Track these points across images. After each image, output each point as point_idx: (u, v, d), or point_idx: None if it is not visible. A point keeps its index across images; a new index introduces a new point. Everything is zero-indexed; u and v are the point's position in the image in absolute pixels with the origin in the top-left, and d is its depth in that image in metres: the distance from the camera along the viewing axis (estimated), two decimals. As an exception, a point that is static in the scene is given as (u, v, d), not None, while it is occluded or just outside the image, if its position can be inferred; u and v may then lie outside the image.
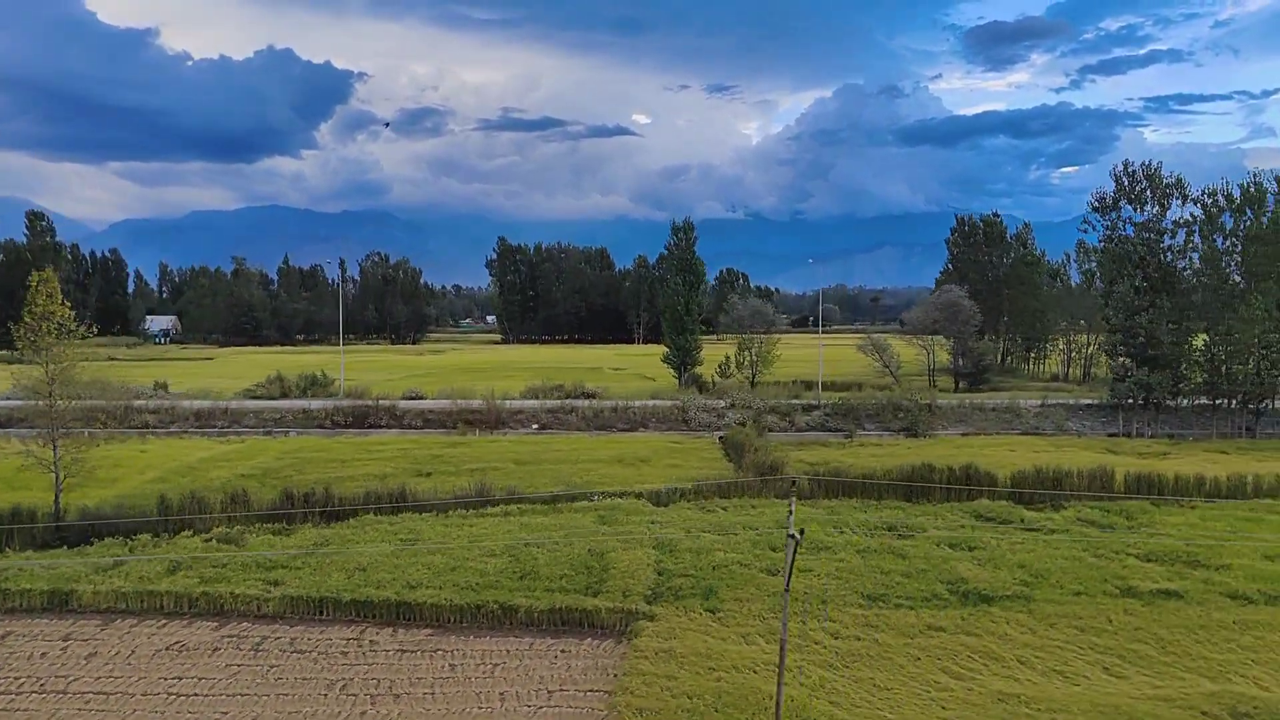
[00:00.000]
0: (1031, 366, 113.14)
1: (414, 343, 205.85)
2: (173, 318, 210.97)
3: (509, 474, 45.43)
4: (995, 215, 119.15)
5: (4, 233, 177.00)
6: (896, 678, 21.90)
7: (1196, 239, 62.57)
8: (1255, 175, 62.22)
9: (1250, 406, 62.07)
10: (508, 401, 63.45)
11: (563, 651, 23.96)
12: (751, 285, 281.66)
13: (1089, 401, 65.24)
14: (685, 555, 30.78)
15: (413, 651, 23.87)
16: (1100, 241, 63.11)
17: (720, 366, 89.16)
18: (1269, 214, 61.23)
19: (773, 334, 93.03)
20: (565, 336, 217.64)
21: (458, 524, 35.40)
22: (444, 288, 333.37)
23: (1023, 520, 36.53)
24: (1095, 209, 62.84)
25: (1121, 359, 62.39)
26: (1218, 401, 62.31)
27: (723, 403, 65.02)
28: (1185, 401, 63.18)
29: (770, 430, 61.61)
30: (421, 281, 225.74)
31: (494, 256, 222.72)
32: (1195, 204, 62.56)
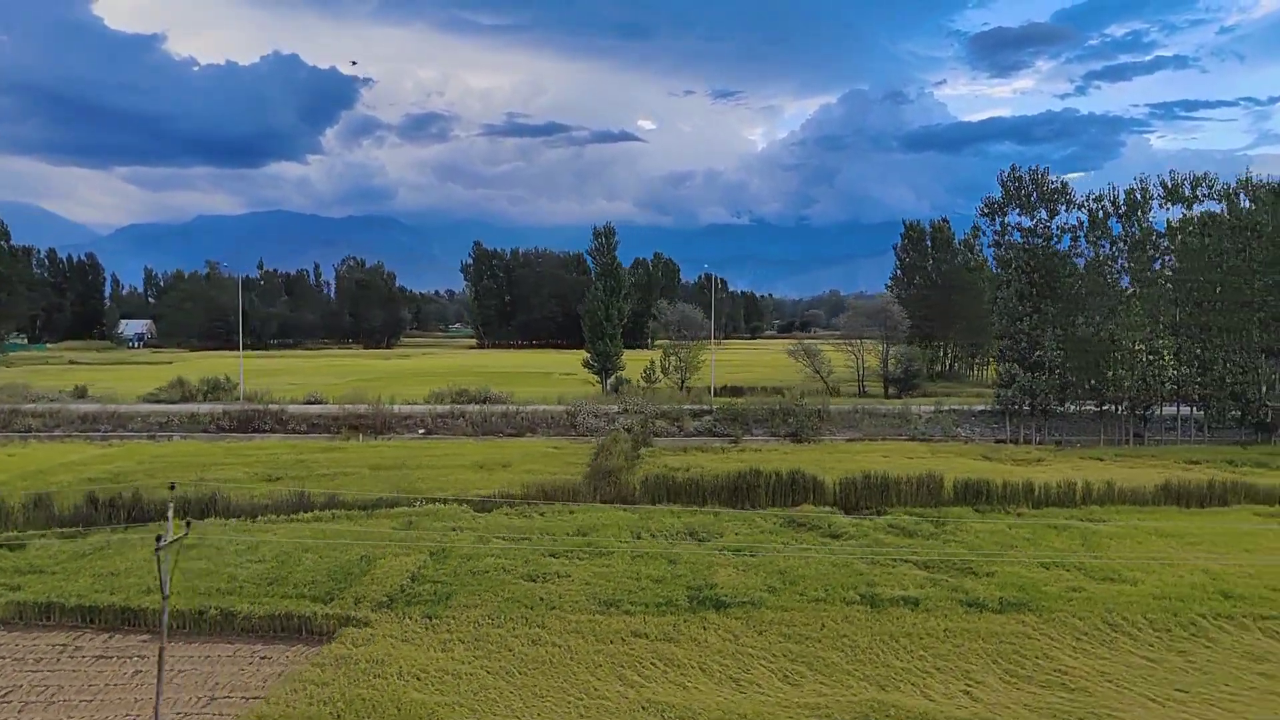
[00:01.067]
0: (976, 372, 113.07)
1: (389, 347, 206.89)
2: (148, 322, 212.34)
3: (361, 479, 45.69)
4: (944, 220, 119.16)
5: (13, 235, 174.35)
6: (562, 685, 21.95)
7: (1083, 244, 62.48)
8: (1140, 180, 62.11)
9: (1137, 413, 61.89)
10: (396, 406, 63.66)
11: (262, 658, 24.06)
12: (732, 290, 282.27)
13: (982, 407, 65.14)
14: (453, 561, 30.91)
15: (110, 658, 24.02)
16: (990, 247, 63.02)
17: (645, 371, 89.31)
18: (1150, 220, 61.19)
19: (700, 339, 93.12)
20: (541, 341, 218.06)
21: (261, 530, 35.54)
22: (436, 292, 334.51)
23: (830, 526, 36.52)
24: (983, 214, 62.76)
25: (1008, 364, 62.28)
26: (1104, 408, 62.11)
27: (615, 408, 65.11)
28: (1072, 407, 63.01)
29: (659, 435, 61.81)
30: (397, 285, 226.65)
31: (469, 261, 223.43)
32: (1081, 209, 62.45)
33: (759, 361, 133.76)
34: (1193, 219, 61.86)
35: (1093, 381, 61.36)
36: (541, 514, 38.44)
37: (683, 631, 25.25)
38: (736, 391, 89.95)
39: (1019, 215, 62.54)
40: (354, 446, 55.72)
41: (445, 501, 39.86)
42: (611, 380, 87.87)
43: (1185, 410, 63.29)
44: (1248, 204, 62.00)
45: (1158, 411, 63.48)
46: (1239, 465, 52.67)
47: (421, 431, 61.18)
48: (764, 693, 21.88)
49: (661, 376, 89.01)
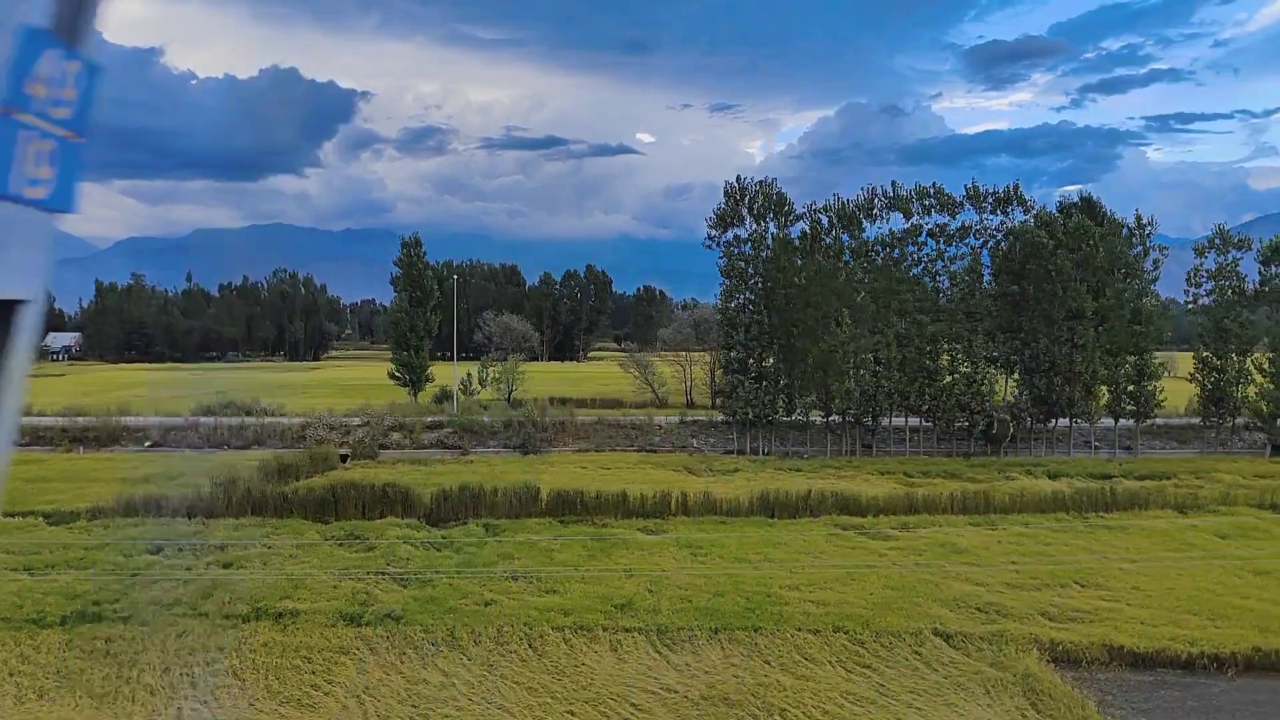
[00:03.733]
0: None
1: (316, 359, 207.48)
2: (77, 335, 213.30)
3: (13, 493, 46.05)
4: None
5: None
6: None
7: (807, 256, 62.78)
8: (866, 190, 62.53)
9: (864, 424, 62.12)
10: (125, 419, 64.05)
11: None
12: (676, 300, 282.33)
13: (722, 418, 65.33)
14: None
15: None
16: (720, 259, 63.31)
17: (461, 383, 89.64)
18: (865, 232, 61.55)
19: (520, 352, 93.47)
20: (466, 355, 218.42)
21: None
22: (380, 304, 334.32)
23: (379, 537, 36.79)
24: (713, 225, 63.09)
25: (732, 375, 62.55)
26: (831, 419, 62.34)
27: (356, 420, 65.46)
28: (800, 418, 63.23)
29: (393, 447, 62.20)
30: (329, 297, 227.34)
31: (398, 273, 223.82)
32: (804, 220, 62.83)
33: (606, 374, 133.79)
34: (919, 229, 62.20)
35: (813, 394, 61.53)
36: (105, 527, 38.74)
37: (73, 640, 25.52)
38: (563, 402, 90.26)
39: (754, 224, 62.84)
40: (53, 459, 56.14)
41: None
42: (436, 392, 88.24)
43: (915, 421, 63.44)
44: (973, 214, 62.36)
45: (887, 422, 63.65)
46: (930, 476, 52.91)
47: (148, 444, 61.56)
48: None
49: (479, 388, 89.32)
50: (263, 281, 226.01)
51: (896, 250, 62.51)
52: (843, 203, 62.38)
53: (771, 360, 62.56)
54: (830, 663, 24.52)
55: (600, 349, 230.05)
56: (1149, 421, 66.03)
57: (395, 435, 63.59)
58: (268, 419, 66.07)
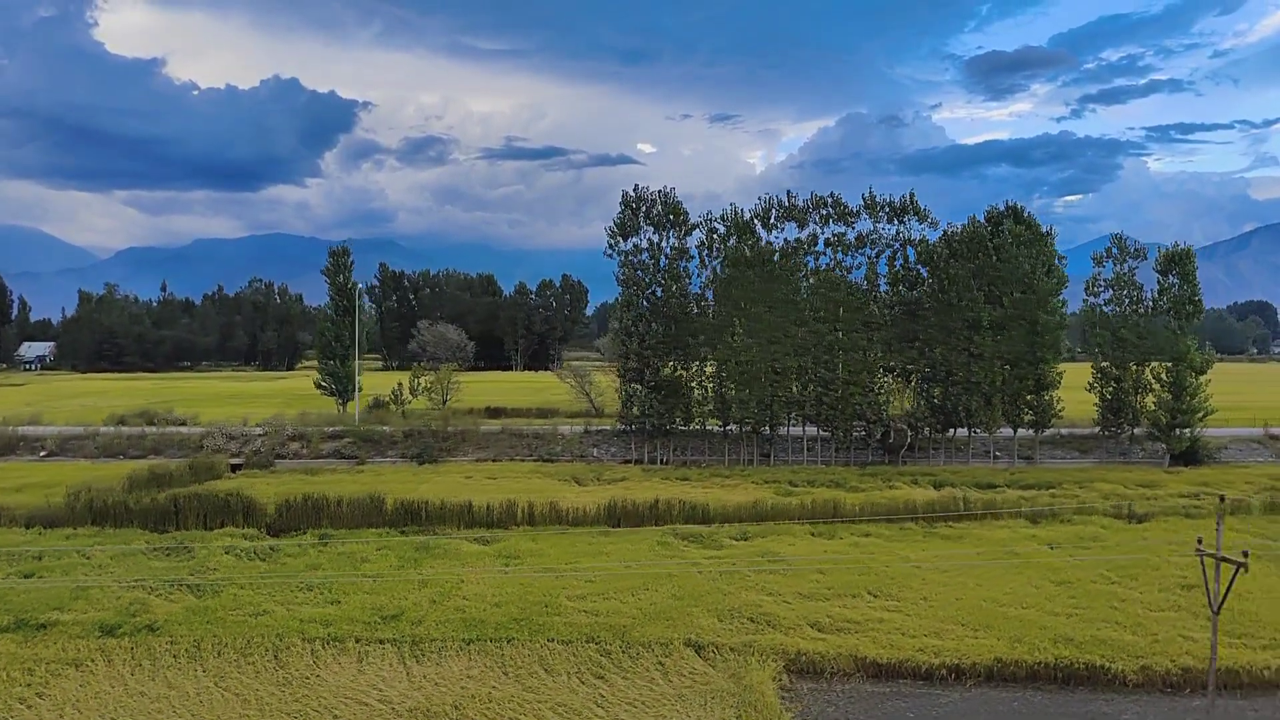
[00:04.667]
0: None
1: (290, 368, 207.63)
2: (51, 345, 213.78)
3: None
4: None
5: (13, 258, 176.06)
6: None
7: (702, 266, 62.85)
8: (763, 199, 62.51)
9: (760, 432, 62.01)
10: (20, 429, 64.17)
11: None
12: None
13: (624, 427, 65.20)
14: None
15: None
16: (619, 269, 63.28)
17: (393, 393, 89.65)
18: (750, 243, 61.54)
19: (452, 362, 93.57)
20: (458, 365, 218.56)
21: None
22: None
23: (204, 547, 36.80)
24: (613, 235, 63.06)
25: (630, 384, 62.51)
26: (729, 428, 62.27)
27: (258, 430, 65.49)
28: (697, 426, 63.19)
29: (290, 457, 62.26)
30: (303, 307, 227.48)
31: (375, 282, 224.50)
32: (699, 230, 62.85)
33: (549, 384, 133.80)
34: (815, 239, 62.21)
35: (710, 403, 61.50)
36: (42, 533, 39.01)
37: None
38: (497, 412, 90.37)
39: (653, 234, 62.90)
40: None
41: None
42: (370, 401, 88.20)
43: (814, 430, 63.35)
44: (869, 223, 62.34)
45: (785, 432, 63.55)
46: (815, 485, 52.81)
47: (43, 453, 61.67)
48: None
49: (410, 398, 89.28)
50: (238, 291, 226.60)
51: (797, 259, 62.35)
52: (738, 212, 62.40)
53: (669, 369, 62.43)
54: (567, 673, 24.45)
55: (579, 359, 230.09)
56: (1053, 431, 65.89)
57: (294, 445, 63.62)
58: (169, 429, 66.16)
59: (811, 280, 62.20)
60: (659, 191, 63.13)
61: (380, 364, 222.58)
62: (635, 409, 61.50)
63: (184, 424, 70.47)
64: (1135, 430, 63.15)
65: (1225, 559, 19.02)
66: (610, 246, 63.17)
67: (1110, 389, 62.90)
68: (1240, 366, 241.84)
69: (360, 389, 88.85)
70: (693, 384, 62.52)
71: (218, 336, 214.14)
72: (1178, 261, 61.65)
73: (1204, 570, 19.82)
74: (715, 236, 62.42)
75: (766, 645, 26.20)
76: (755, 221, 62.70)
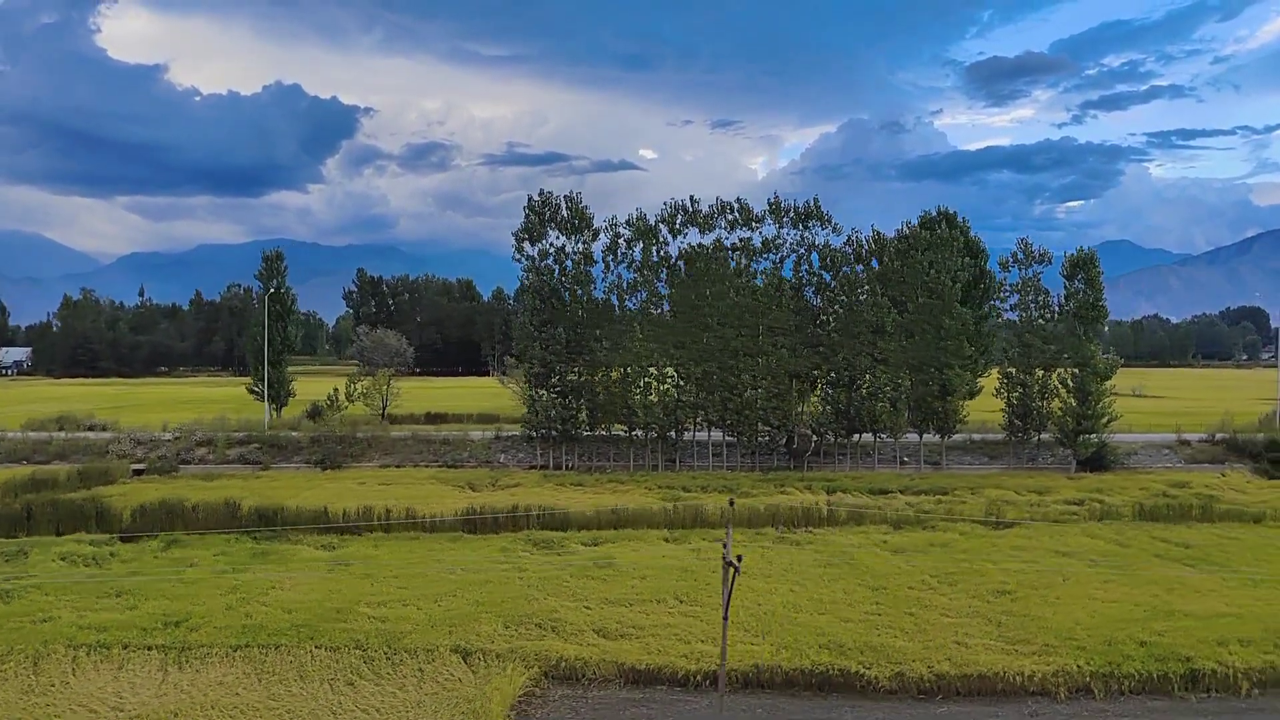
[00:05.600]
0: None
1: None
2: (28, 350, 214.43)
3: None
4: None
5: (16, 263, 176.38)
6: None
7: (607, 270, 62.92)
8: (668, 205, 62.50)
9: (665, 437, 61.90)
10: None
11: None
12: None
13: (530, 433, 65.06)
14: None
15: None
16: (525, 273, 63.32)
17: (329, 398, 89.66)
18: (658, 247, 61.57)
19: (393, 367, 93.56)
20: (419, 370, 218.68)
21: None
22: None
23: (42, 552, 36.80)
24: (519, 238, 63.09)
25: (537, 390, 62.47)
26: (634, 433, 62.18)
27: (168, 435, 65.54)
28: (603, 431, 63.13)
29: (196, 462, 62.29)
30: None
31: (353, 288, 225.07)
32: (604, 235, 62.86)
33: (492, 388, 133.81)
34: (707, 246, 62.19)
35: (616, 407, 61.47)
36: None
37: None
38: (439, 418, 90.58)
39: (561, 238, 62.92)
40: None
41: None
42: (308, 407, 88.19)
43: (719, 435, 63.24)
44: (773, 229, 62.33)
45: (691, 436, 63.45)
46: (708, 490, 52.67)
47: (-54, 459, 61.73)
48: None
49: (347, 403, 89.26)
50: (215, 297, 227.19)
51: (701, 264, 62.30)
52: (642, 216, 62.41)
53: (574, 374, 62.42)
54: (321, 680, 24.35)
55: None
56: (964, 436, 65.75)
57: (201, 450, 63.64)
58: (77, 434, 66.21)
59: (717, 285, 62.10)
60: (565, 196, 63.18)
61: (358, 369, 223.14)
62: (539, 414, 61.44)
63: (93, 429, 70.48)
64: (1042, 436, 62.92)
65: (730, 563, 19.05)
66: (517, 251, 63.19)
67: (1017, 394, 62.71)
68: (1217, 372, 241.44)
69: (293, 394, 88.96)
70: (598, 389, 62.43)
71: (195, 342, 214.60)
72: (1083, 266, 61.49)
73: (725, 574, 19.63)
74: (620, 241, 62.41)
75: (534, 651, 26.08)
76: (661, 226, 62.70)
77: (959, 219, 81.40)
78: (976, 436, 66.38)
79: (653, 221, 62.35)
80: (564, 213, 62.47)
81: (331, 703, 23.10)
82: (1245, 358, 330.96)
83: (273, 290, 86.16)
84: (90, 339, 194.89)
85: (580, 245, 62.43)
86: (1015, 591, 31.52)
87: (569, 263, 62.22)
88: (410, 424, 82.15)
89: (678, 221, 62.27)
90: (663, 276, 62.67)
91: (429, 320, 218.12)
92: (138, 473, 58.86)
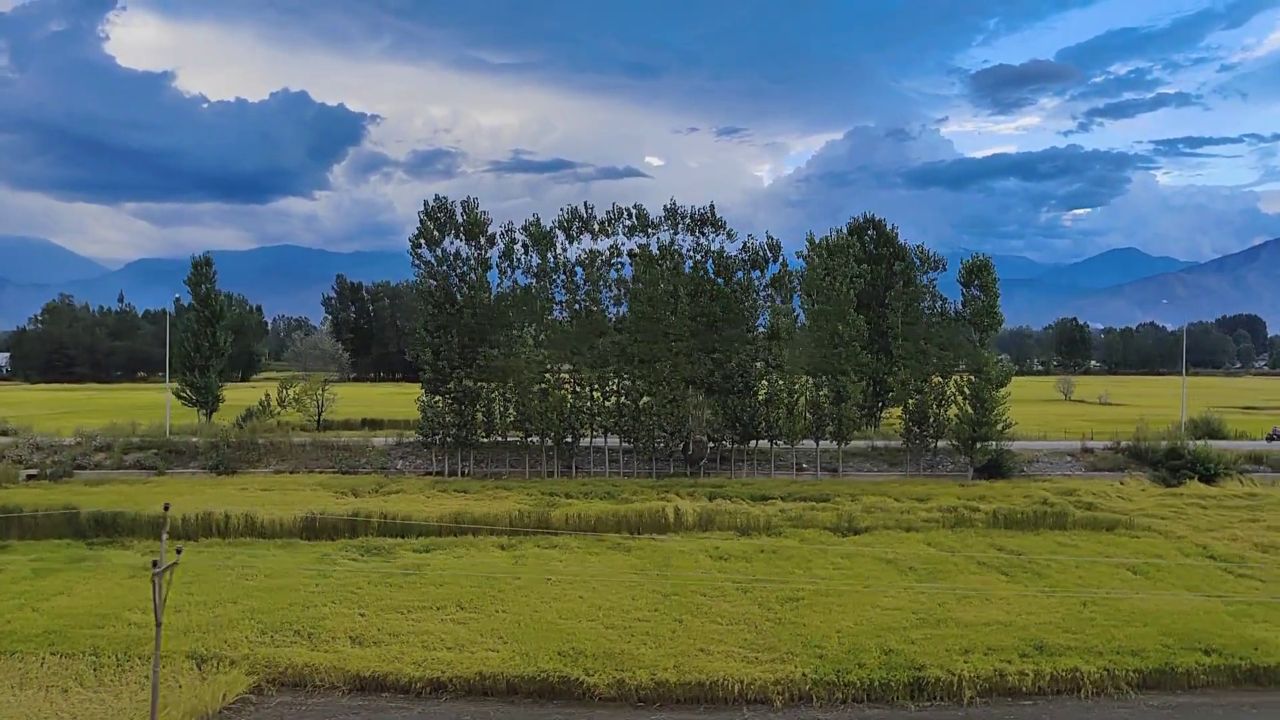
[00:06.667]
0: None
1: (244, 379, 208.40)
2: (6, 355, 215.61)
3: None
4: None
5: (23, 270, 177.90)
6: None
7: (503, 276, 62.88)
8: (565, 210, 62.45)
9: (562, 443, 61.71)
10: None
11: None
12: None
13: (426, 439, 64.84)
14: None
15: None
16: (425, 279, 63.31)
17: (260, 403, 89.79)
18: (553, 255, 61.53)
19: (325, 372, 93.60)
20: (400, 375, 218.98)
21: None
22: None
23: None
24: (416, 243, 63.09)
25: (432, 396, 62.37)
26: (530, 439, 62.04)
27: (70, 440, 65.64)
28: (499, 438, 63.00)
29: (93, 468, 62.38)
30: (259, 319, 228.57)
31: (332, 295, 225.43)
32: (501, 240, 62.78)
33: None
34: (618, 250, 62.11)
35: (513, 414, 61.42)
36: None
37: None
38: (376, 424, 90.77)
39: (457, 244, 62.94)
40: None
41: None
42: (241, 413, 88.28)
43: (616, 441, 63.04)
44: (669, 235, 62.20)
45: (588, 443, 63.26)
46: (589, 497, 52.56)
47: None
48: None
49: (279, 409, 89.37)
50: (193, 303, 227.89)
51: (596, 270, 62.23)
52: (537, 222, 62.34)
53: (470, 380, 62.32)
54: (38, 687, 24.22)
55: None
56: (867, 443, 65.43)
57: (99, 456, 63.73)
58: (-15, 440, 66.32)
59: (613, 291, 62.02)
60: (462, 201, 63.17)
61: (337, 377, 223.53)
62: (432, 420, 61.34)
63: (5, 434, 70.66)
64: (939, 443, 62.54)
65: (162, 569, 18.69)
66: (415, 258, 63.17)
67: (913, 401, 62.37)
68: (1200, 380, 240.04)
69: (222, 400, 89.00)
70: (494, 395, 62.33)
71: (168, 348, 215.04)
72: (978, 273, 61.14)
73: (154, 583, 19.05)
74: (516, 247, 62.36)
75: (267, 658, 25.92)
76: (558, 232, 62.63)
77: (887, 226, 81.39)
78: (880, 444, 66.07)
79: (548, 227, 62.20)
80: (460, 218, 62.40)
81: (38, 710, 22.94)
82: (1239, 365, 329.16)
83: (202, 296, 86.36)
84: (66, 344, 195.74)
85: (476, 251, 62.35)
86: (803, 599, 31.21)
87: (464, 267, 62.12)
88: (345, 430, 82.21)
89: (573, 228, 62.13)
90: (559, 282, 62.51)
91: (408, 326, 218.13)
92: (30, 477, 59.02)
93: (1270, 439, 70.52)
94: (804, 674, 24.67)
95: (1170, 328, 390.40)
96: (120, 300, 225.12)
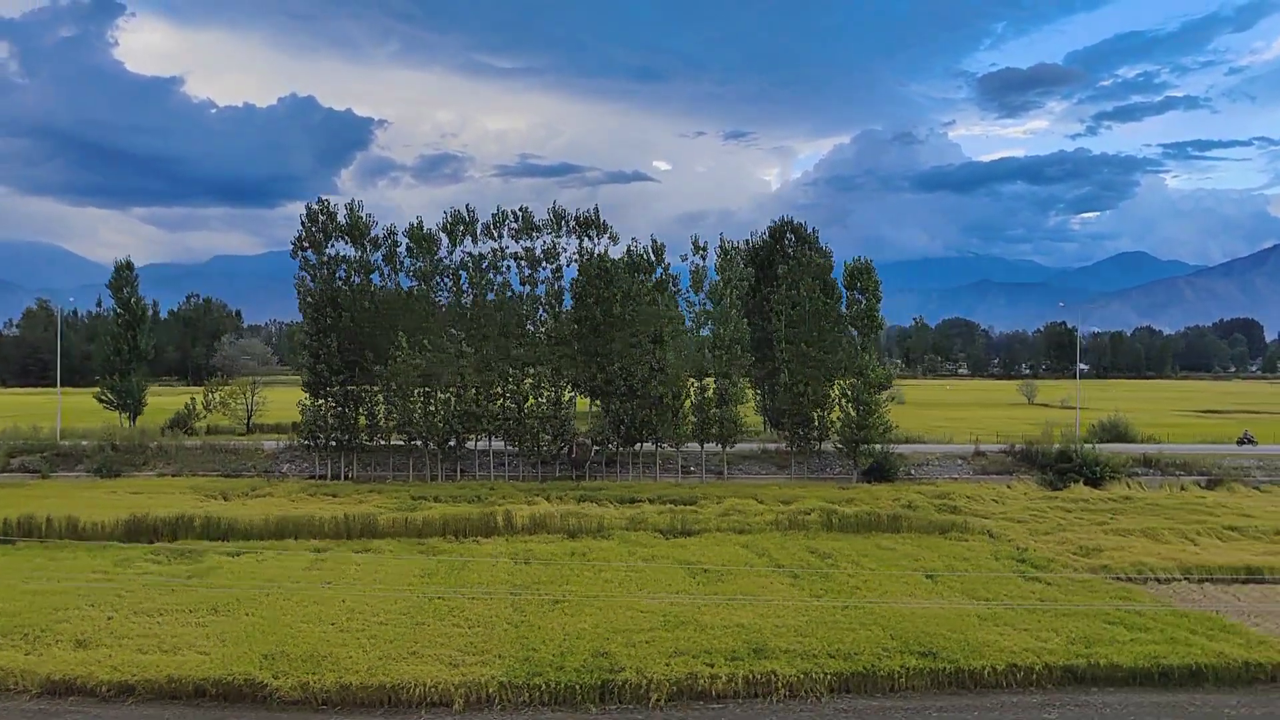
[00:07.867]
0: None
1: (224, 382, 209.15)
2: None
3: None
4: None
5: (34, 274, 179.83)
6: None
7: (385, 280, 62.78)
8: (449, 213, 62.37)
9: (447, 448, 61.52)
10: None
11: None
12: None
13: (308, 443, 64.50)
14: None
15: None
16: (313, 282, 63.30)
17: (186, 407, 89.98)
18: (439, 258, 61.55)
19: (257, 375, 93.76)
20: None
21: None
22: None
23: None
24: (300, 248, 63.12)
25: (314, 400, 62.32)
26: (414, 442, 61.89)
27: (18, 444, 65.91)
28: (381, 441, 62.89)
29: (16, 471, 62.63)
30: (238, 323, 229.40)
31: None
32: (384, 244, 62.72)
33: None
34: (502, 252, 61.98)
35: (395, 418, 61.36)
36: None
37: None
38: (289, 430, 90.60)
39: (340, 247, 62.96)
40: None
41: None
42: (171, 417, 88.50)
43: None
44: (550, 238, 62.02)
45: (474, 446, 63.09)
46: (456, 501, 52.32)
47: None
48: None
49: (205, 413, 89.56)
50: (173, 307, 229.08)
51: (478, 273, 62.13)
52: (419, 224, 62.26)
53: (353, 384, 62.25)
54: None
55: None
56: (757, 446, 65.06)
57: (32, 459, 63.86)
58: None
59: (495, 295, 61.87)
60: (345, 204, 63.21)
61: (217, 379, 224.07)
62: (312, 423, 61.27)
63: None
64: (823, 446, 62.12)
65: None
66: (303, 259, 63.18)
67: (795, 404, 61.92)
68: (1184, 384, 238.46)
69: (145, 404, 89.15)
70: (379, 398, 62.22)
71: (152, 351, 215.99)
72: (860, 276, 60.75)
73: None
74: (398, 250, 62.31)
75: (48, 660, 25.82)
76: (442, 235, 62.53)
77: (807, 230, 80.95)
78: (771, 446, 65.67)
79: (433, 230, 62.13)
80: (342, 220, 62.40)
81: None
82: (1232, 369, 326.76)
83: (124, 300, 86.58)
84: (40, 349, 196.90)
85: (358, 254, 62.32)
86: (564, 602, 30.87)
87: (342, 269, 62.13)
88: (276, 433, 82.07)
89: (458, 230, 62.01)
90: (444, 285, 62.41)
91: (390, 327, 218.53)
92: (-91, 481, 59.20)
93: (1240, 443, 70.73)
94: (491, 676, 24.35)
95: (1167, 332, 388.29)
96: (99, 305, 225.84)
